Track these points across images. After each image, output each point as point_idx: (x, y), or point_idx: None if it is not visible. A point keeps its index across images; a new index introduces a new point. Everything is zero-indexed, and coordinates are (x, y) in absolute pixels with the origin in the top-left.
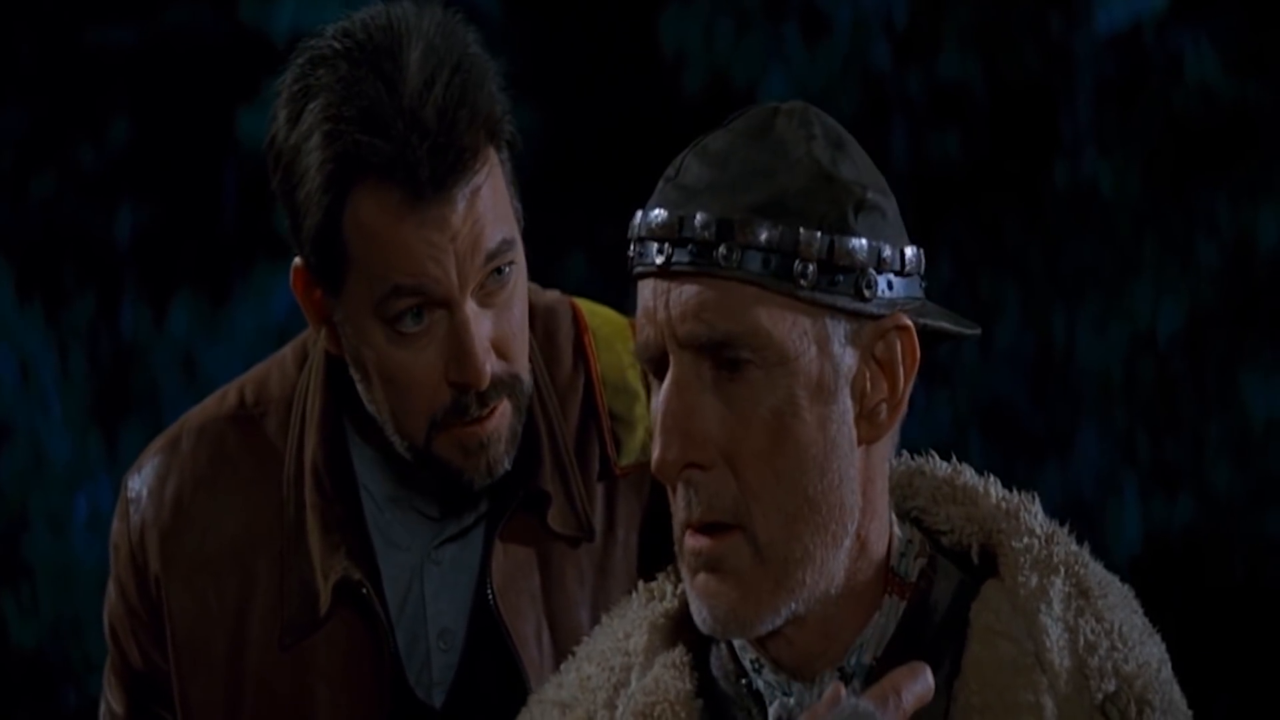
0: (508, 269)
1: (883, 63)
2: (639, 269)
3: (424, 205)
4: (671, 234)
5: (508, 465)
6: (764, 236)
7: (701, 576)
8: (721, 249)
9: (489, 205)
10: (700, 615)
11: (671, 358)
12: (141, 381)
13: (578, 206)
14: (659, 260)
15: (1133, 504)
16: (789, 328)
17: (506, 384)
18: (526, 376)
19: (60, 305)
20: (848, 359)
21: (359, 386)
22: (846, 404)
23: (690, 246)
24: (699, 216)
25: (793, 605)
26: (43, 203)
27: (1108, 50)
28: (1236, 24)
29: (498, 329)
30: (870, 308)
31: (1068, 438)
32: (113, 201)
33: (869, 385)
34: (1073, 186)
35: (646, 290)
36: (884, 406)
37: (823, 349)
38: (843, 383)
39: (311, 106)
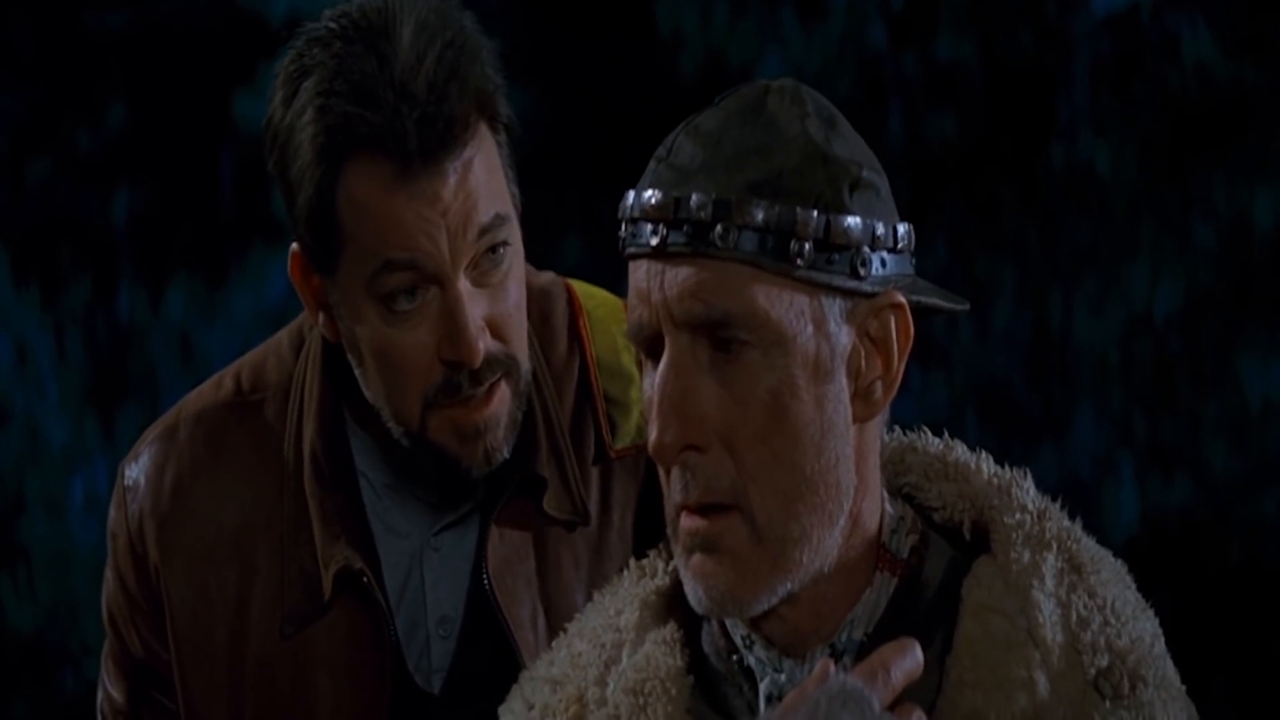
0: (502, 249)
1: (879, 44)
2: (632, 250)
3: (414, 178)
4: (666, 215)
5: (506, 453)
6: (760, 216)
7: (697, 557)
8: (718, 229)
9: (481, 180)
10: (695, 596)
11: (667, 339)
12: (138, 365)
13: (574, 187)
14: (654, 241)
15: (1129, 485)
16: (786, 307)
17: (502, 363)
18: (525, 360)
19: (57, 289)
20: (843, 338)
21: (355, 371)
22: (842, 383)
23: (686, 227)
24: (694, 197)
25: (788, 585)
26: (39, 187)
27: (1104, 31)
28: (1233, 5)
29: (492, 309)
30: (865, 286)
31: (1064, 419)
32: (109, 185)
33: (864, 363)
34: (1069, 168)
35: (640, 271)
36: (879, 384)
37: (819, 328)
38: (839, 361)
39: (306, 85)
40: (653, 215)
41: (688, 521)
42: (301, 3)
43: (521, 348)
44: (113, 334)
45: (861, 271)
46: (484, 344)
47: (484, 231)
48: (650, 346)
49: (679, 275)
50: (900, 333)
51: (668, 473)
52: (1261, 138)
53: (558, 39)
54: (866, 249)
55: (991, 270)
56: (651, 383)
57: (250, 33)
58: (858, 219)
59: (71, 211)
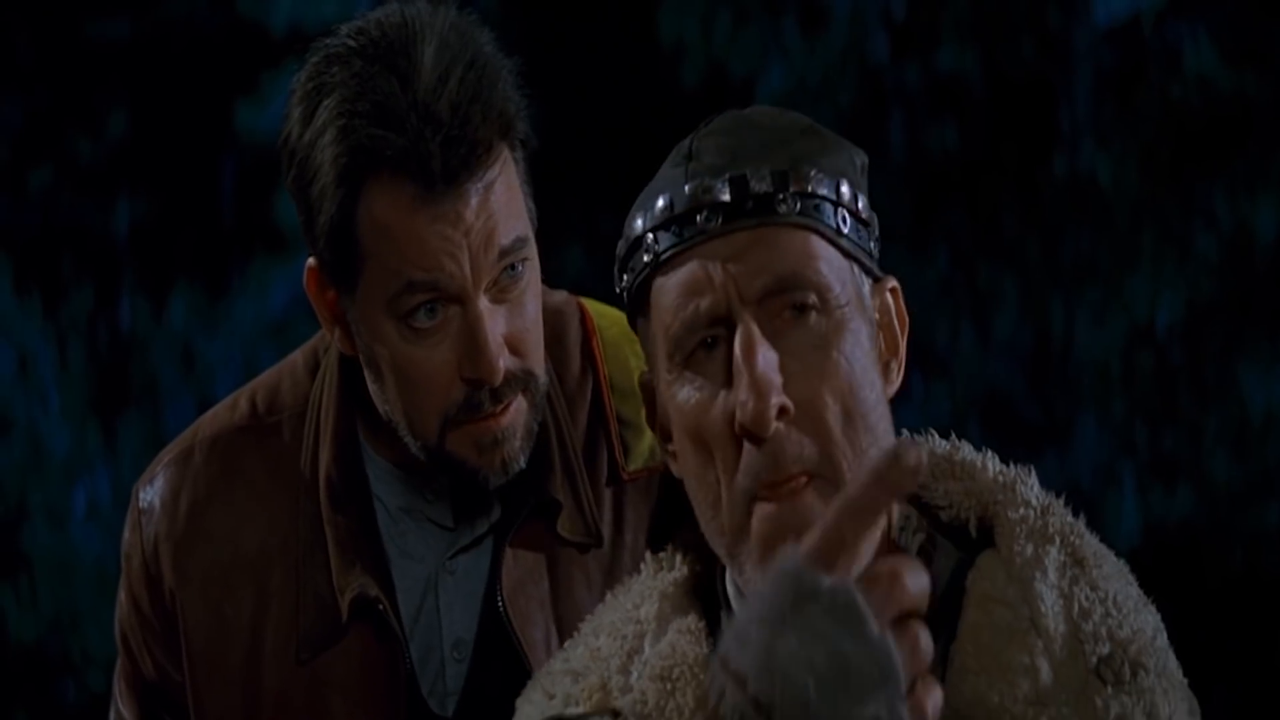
0: (521, 266)
1: (881, 55)
2: (678, 248)
3: (437, 199)
4: (727, 194)
5: (523, 463)
6: (814, 184)
7: (786, 544)
8: (780, 197)
9: (502, 201)
10: None
11: (740, 316)
12: (140, 374)
13: (576, 199)
14: (717, 223)
15: (1131, 495)
16: (842, 274)
17: (521, 380)
18: (542, 373)
19: (59, 298)
20: (871, 312)
21: (372, 387)
22: (876, 353)
23: (749, 203)
24: (752, 171)
25: (870, 549)
26: (41, 196)
27: (1106, 42)
28: (1234, 16)
29: (511, 325)
30: (875, 268)
31: (1066, 429)
32: (111, 194)
33: (882, 341)
34: (1071, 178)
35: (689, 265)
36: (894, 365)
37: (860, 298)
38: (874, 332)
39: (326, 103)
40: (707, 201)
41: (770, 509)
42: (302, 11)
43: (539, 362)
44: (114, 343)
45: (872, 249)
46: (504, 361)
47: (505, 253)
48: (707, 336)
49: (747, 250)
50: (899, 316)
51: (739, 452)
52: (1263, 148)
53: (559, 50)
54: (875, 229)
55: (993, 281)
56: (691, 391)
57: (252, 42)
58: (867, 200)
59: (73, 221)
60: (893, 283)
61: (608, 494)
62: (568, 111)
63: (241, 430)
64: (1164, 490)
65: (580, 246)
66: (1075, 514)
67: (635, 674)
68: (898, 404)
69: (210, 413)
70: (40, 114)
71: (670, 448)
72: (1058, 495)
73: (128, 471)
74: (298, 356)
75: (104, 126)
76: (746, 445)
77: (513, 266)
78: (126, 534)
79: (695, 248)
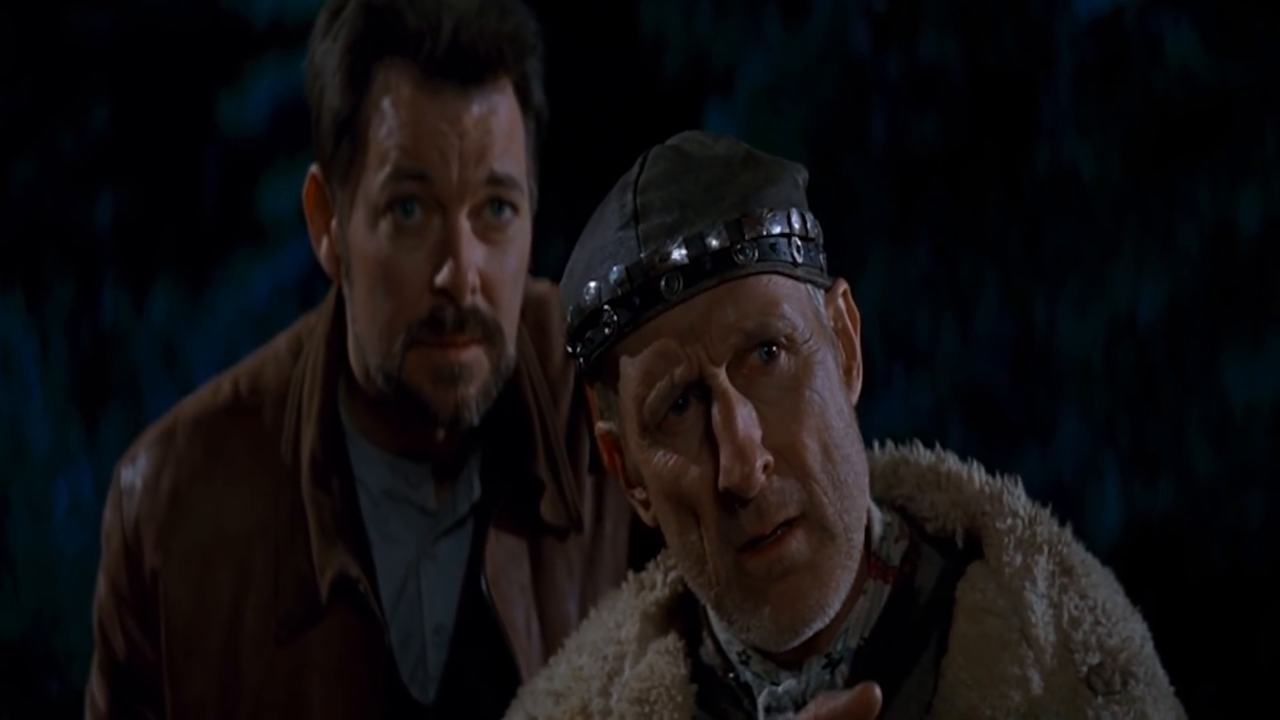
0: (508, 211)
1: (862, 46)
2: (640, 322)
3: (438, 90)
4: (684, 257)
5: (476, 419)
6: (767, 224)
7: (778, 586)
8: (738, 248)
9: (503, 131)
10: (778, 625)
11: (712, 380)
12: (122, 368)
13: (557, 190)
14: (679, 287)
15: (1113, 488)
16: (801, 307)
17: (487, 324)
18: (510, 339)
19: (40, 292)
20: (828, 330)
21: (349, 309)
22: (840, 372)
23: (707, 261)
24: (705, 228)
25: (850, 577)
26: (23, 189)
27: (1088, 33)
28: (1217, 7)
29: (488, 266)
30: (825, 280)
31: (1048, 422)
32: (93, 188)
33: (841, 351)
34: (1053, 170)
35: (660, 336)
36: (854, 368)
37: (819, 321)
38: (833, 352)
39: (350, 7)
40: (665, 268)
41: (758, 560)
42: (284, 4)
43: (509, 322)
44: (96, 337)
45: (822, 262)
46: (474, 280)
47: (494, 180)
48: (679, 402)
49: (711, 311)
50: (852, 316)
51: (728, 512)
52: (1245, 140)
53: (541, 40)
54: (821, 239)
55: (975, 273)
56: (666, 455)
57: (234, 34)
58: (811, 215)
59: (55, 215)
60: (842, 285)
61: (589, 482)
62: (549, 102)
63: (224, 412)
64: (1146, 483)
65: (561, 238)
66: (1057, 508)
67: (615, 696)
68: (879, 398)
69: (193, 395)
70: (22, 108)
71: (639, 495)
72: (1040, 489)
73: (110, 465)
74: (280, 341)
75: (86, 120)
76: (732, 503)
77: (500, 204)
78: (107, 514)
79: (658, 317)
